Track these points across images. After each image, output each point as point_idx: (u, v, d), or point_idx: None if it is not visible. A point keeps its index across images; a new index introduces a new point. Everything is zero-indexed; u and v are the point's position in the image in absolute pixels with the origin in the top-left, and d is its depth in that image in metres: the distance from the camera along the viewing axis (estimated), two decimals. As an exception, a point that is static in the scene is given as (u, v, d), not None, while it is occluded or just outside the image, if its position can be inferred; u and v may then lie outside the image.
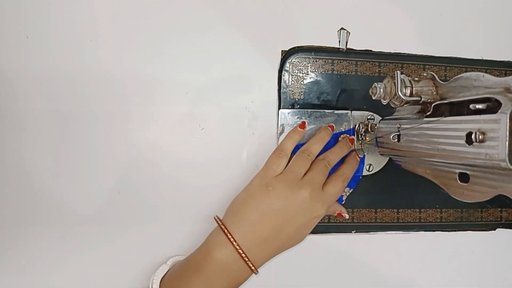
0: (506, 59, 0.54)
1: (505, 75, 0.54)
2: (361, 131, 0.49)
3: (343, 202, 0.51)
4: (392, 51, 0.51)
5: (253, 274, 0.42)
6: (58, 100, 0.46)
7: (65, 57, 0.46)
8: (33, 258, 0.46)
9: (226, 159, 0.49)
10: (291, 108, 0.50)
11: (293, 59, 0.50)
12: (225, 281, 0.41)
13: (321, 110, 0.50)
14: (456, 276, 0.54)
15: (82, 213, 0.47)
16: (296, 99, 0.50)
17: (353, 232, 0.52)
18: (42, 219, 0.46)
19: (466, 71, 0.52)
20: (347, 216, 0.47)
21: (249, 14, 0.49)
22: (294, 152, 0.46)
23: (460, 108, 0.35)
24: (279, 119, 0.49)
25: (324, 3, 0.50)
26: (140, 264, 0.48)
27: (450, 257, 0.54)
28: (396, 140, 0.41)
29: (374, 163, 0.51)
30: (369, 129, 0.48)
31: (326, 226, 0.51)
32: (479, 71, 0.53)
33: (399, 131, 0.41)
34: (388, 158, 0.50)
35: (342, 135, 0.49)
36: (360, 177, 0.51)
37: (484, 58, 0.54)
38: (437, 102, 0.37)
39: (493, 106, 0.30)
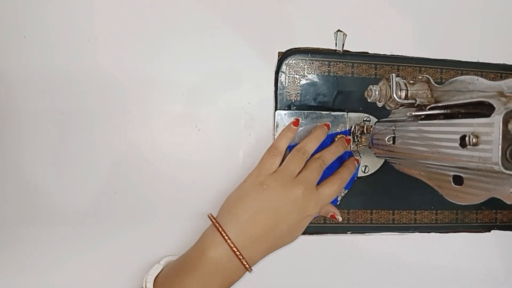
0: (502, 62, 0.54)
1: (501, 77, 0.55)
2: (357, 132, 0.49)
3: (338, 203, 0.51)
4: (388, 53, 0.52)
5: (247, 272, 0.42)
6: (55, 100, 0.46)
7: (62, 57, 0.46)
8: (31, 257, 0.47)
9: (223, 159, 0.49)
10: (287, 110, 0.50)
11: (290, 60, 0.50)
12: (220, 279, 0.41)
13: (318, 112, 0.50)
14: (451, 277, 0.55)
15: (79, 212, 0.47)
16: (293, 101, 0.50)
17: (348, 233, 0.52)
18: (40, 219, 0.46)
19: (461, 74, 0.53)
20: (340, 219, 0.47)
21: (246, 15, 0.49)
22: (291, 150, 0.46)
23: (455, 111, 0.35)
24: (275, 120, 0.49)
25: (321, 5, 0.50)
26: (137, 263, 0.48)
27: (445, 258, 0.54)
28: (391, 142, 0.41)
29: (370, 164, 0.51)
30: (365, 131, 0.48)
31: (322, 227, 0.51)
32: (475, 73, 0.53)
33: (394, 133, 0.41)
34: (383, 159, 0.50)
35: (338, 136, 0.50)
36: (356, 178, 0.51)
37: (480, 61, 0.54)
38: (432, 105, 0.38)
39: (487, 109, 0.30)
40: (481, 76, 0.54)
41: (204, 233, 0.43)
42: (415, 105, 0.39)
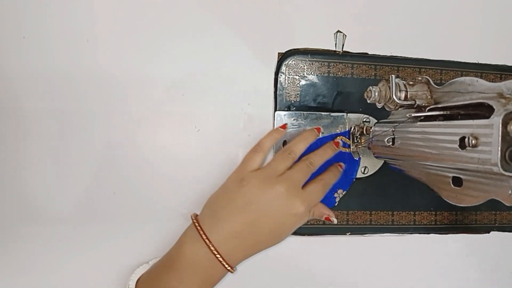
0: (501, 63, 0.54)
1: (501, 78, 0.55)
2: (357, 133, 0.49)
3: (336, 204, 0.51)
4: (388, 54, 0.52)
5: (230, 272, 0.41)
6: (55, 100, 0.46)
7: (62, 57, 0.46)
8: (31, 257, 0.46)
9: (222, 160, 0.49)
10: (287, 110, 0.50)
11: (290, 61, 0.50)
12: (198, 277, 0.40)
13: (317, 113, 0.50)
14: (450, 278, 0.55)
15: (78, 212, 0.47)
16: (292, 101, 0.50)
17: (347, 234, 0.52)
18: (39, 219, 0.46)
19: (461, 75, 0.53)
20: (335, 221, 0.46)
21: (246, 16, 0.49)
22: None
23: (454, 113, 0.35)
24: (275, 121, 0.49)
25: (320, 5, 0.50)
26: (136, 263, 0.47)
27: (444, 259, 0.54)
28: (390, 143, 0.41)
29: (369, 165, 0.51)
30: (365, 132, 0.48)
31: (320, 228, 0.51)
32: (474, 74, 0.53)
33: (393, 134, 0.41)
34: (383, 160, 0.50)
35: (337, 137, 0.50)
36: (354, 179, 0.51)
37: (480, 62, 0.54)
38: (431, 106, 0.37)
39: (486, 111, 0.30)
40: (481, 77, 0.54)
41: (184, 231, 0.43)
42: (415, 106, 0.39)
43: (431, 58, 0.53)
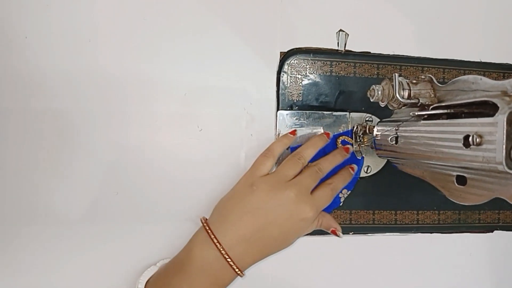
0: (504, 62, 0.54)
1: (503, 77, 0.55)
2: (359, 132, 0.49)
3: (341, 204, 0.51)
4: (391, 53, 0.52)
5: (240, 276, 0.41)
6: (57, 100, 0.46)
7: (64, 57, 0.46)
8: (31, 258, 0.46)
9: (224, 160, 0.49)
10: (289, 110, 0.50)
11: (292, 60, 0.50)
12: (208, 281, 0.40)
13: (320, 112, 0.50)
14: (453, 278, 0.55)
15: (80, 213, 0.47)
16: (295, 101, 0.50)
17: (350, 233, 0.52)
18: (40, 219, 0.46)
19: (464, 73, 0.53)
20: (341, 236, 0.46)
21: (248, 15, 0.49)
22: None
23: (458, 111, 0.35)
24: (277, 120, 0.49)
25: (322, 5, 0.50)
26: (138, 264, 0.47)
27: (447, 259, 0.54)
28: (394, 142, 0.41)
29: (372, 164, 0.51)
30: (367, 131, 0.48)
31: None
32: (477, 73, 0.53)
33: (397, 133, 0.41)
34: (386, 160, 0.50)
35: (340, 137, 0.49)
36: (358, 179, 0.51)
37: (482, 60, 0.54)
38: (435, 105, 0.37)
39: (490, 109, 0.30)
40: (484, 75, 0.53)
41: (194, 234, 0.43)
42: (418, 104, 0.38)
43: (434, 57, 0.53)
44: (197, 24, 0.48)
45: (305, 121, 0.49)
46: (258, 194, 0.42)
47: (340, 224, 0.50)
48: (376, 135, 0.45)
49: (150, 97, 0.47)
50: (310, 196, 0.43)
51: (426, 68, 0.52)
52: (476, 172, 0.32)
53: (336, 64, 0.51)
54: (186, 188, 0.48)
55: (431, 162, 0.37)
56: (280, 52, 0.50)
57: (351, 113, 0.50)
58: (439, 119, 0.36)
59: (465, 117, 0.34)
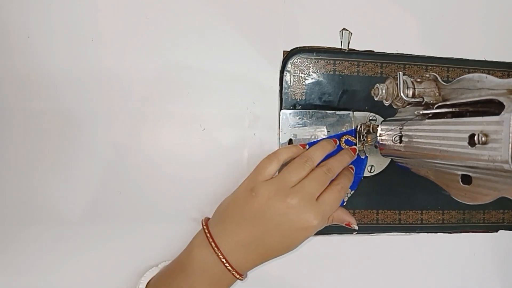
0: (509, 60, 0.54)
1: (508, 76, 0.54)
2: (363, 132, 0.49)
3: (344, 204, 0.50)
4: (394, 51, 0.51)
5: (239, 280, 0.40)
6: (59, 100, 0.46)
7: (66, 56, 0.46)
8: (32, 258, 0.46)
9: (227, 159, 0.49)
10: (292, 109, 0.49)
11: (295, 59, 0.49)
12: (208, 283, 0.39)
13: (323, 111, 0.50)
14: (457, 277, 0.54)
15: (82, 213, 0.47)
16: (298, 100, 0.50)
17: (354, 233, 0.51)
18: (42, 219, 0.46)
19: (468, 72, 0.53)
20: (356, 228, 0.45)
21: (251, 14, 0.49)
22: None
23: (463, 110, 0.35)
24: (280, 119, 0.49)
25: (326, 3, 0.50)
26: (140, 264, 0.47)
27: (452, 258, 0.54)
28: (398, 141, 0.41)
29: (376, 164, 0.51)
30: (371, 130, 0.47)
31: (327, 227, 0.50)
32: (482, 72, 0.53)
33: (401, 132, 0.41)
34: (390, 159, 0.50)
35: (344, 136, 0.49)
36: (362, 178, 0.50)
37: (487, 59, 0.53)
38: (439, 104, 0.37)
39: (496, 107, 0.30)
40: (488, 74, 0.53)
41: (195, 236, 0.43)
42: (423, 103, 0.38)
43: (438, 56, 0.52)
44: (200, 23, 0.48)
45: (308, 120, 0.49)
46: (258, 200, 0.40)
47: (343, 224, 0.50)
48: (380, 134, 0.45)
49: (152, 96, 0.47)
50: (314, 203, 0.40)
51: (430, 67, 0.52)
52: (482, 171, 0.32)
53: (339, 63, 0.50)
54: (188, 188, 0.48)
55: (435, 161, 0.37)
56: (283, 51, 0.50)
57: (354, 112, 0.50)
58: (444, 118, 0.36)
59: (470, 116, 0.33)
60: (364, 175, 0.51)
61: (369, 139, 0.48)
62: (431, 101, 0.38)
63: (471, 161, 0.31)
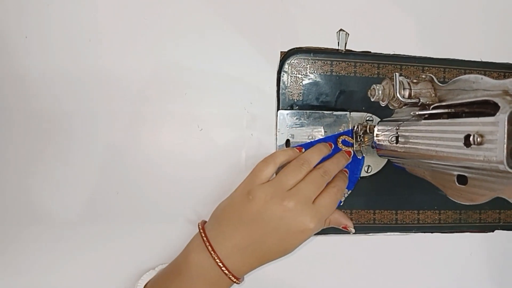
0: (505, 61, 0.54)
1: (504, 77, 0.55)
2: (360, 132, 0.49)
3: (341, 204, 0.51)
4: (391, 52, 0.52)
5: (236, 283, 0.40)
6: (57, 100, 0.46)
7: (64, 57, 0.46)
8: (31, 258, 0.46)
9: (225, 160, 0.49)
10: (290, 109, 0.50)
11: (292, 60, 0.50)
12: (205, 286, 0.39)
13: (320, 111, 0.50)
14: (454, 277, 0.55)
15: (81, 213, 0.47)
16: (295, 100, 0.50)
17: (351, 233, 0.51)
18: (41, 219, 0.46)
19: (465, 73, 0.53)
20: (353, 231, 0.45)
21: (248, 15, 0.49)
22: None
23: (459, 110, 0.35)
24: (278, 120, 0.49)
25: (323, 4, 0.50)
26: (138, 265, 0.47)
27: (448, 258, 0.54)
28: (394, 141, 0.41)
29: (373, 164, 0.51)
30: (368, 131, 0.48)
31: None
32: (478, 73, 0.53)
33: (397, 132, 0.41)
34: (386, 159, 0.50)
35: (341, 136, 0.49)
36: (359, 179, 0.51)
37: (483, 60, 0.54)
38: (435, 104, 0.37)
39: (491, 108, 0.30)
40: (484, 75, 0.53)
41: (192, 239, 0.43)
42: (419, 104, 0.38)
43: (435, 57, 0.52)
44: (198, 24, 0.48)
45: (305, 121, 0.49)
46: (255, 204, 0.40)
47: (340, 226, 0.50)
48: (377, 134, 0.45)
49: (150, 96, 0.47)
50: (311, 206, 0.40)
51: (426, 68, 0.52)
52: (477, 172, 0.32)
53: (336, 63, 0.50)
54: (186, 188, 0.48)
55: (432, 161, 0.37)
56: (281, 52, 0.50)
57: (351, 113, 0.50)
58: (439, 118, 0.36)
59: (466, 117, 0.34)
60: (361, 175, 0.51)
61: (366, 139, 0.49)
62: (427, 102, 0.38)
63: (467, 162, 0.31)
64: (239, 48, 0.49)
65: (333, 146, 0.48)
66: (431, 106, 0.37)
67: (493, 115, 0.28)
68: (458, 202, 0.35)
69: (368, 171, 0.51)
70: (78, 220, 0.47)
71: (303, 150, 0.46)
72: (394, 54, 0.52)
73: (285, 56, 0.50)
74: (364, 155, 0.50)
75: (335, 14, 0.51)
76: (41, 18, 0.45)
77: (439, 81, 0.38)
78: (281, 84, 0.50)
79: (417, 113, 0.38)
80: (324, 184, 0.42)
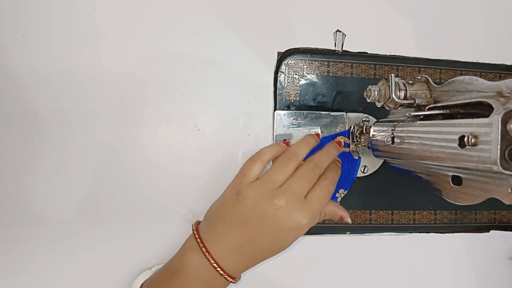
0: (501, 62, 0.54)
1: (500, 78, 0.55)
2: (356, 133, 0.49)
3: (338, 203, 0.51)
4: (388, 53, 0.52)
5: (232, 283, 0.40)
6: (55, 100, 0.46)
7: (61, 57, 0.46)
8: (30, 258, 0.46)
9: (222, 160, 0.49)
10: (286, 110, 0.50)
11: (289, 60, 0.50)
12: (201, 287, 0.39)
13: (317, 112, 0.50)
14: (450, 277, 0.55)
15: (79, 213, 0.47)
16: (292, 101, 0.50)
17: (347, 233, 0.52)
18: (39, 219, 0.46)
19: (460, 74, 0.53)
20: (349, 221, 0.44)
21: (246, 15, 0.49)
22: None
23: (454, 112, 0.35)
24: (274, 120, 0.49)
25: (320, 5, 0.50)
26: (137, 264, 0.48)
27: (444, 258, 0.55)
28: (390, 142, 0.42)
29: (369, 164, 0.51)
30: (364, 131, 0.48)
31: (320, 227, 0.51)
32: (474, 74, 0.54)
33: (393, 133, 0.41)
34: (382, 160, 0.50)
35: (337, 137, 0.50)
36: (355, 179, 0.51)
37: (479, 61, 0.54)
38: (431, 105, 0.38)
39: (486, 110, 0.30)
40: (480, 76, 0.54)
41: (186, 240, 0.42)
42: (414, 105, 0.39)
43: (431, 58, 0.53)
44: (195, 24, 0.48)
45: (302, 121, 0.50)
46: (245, 204, 0.39)
47: (337, 223, 0.50)
48: (373, 135, 0.45)
49: (147, 96, 0.47)
50: (303, 202, 0.39)
51: (422, 69, 0.53)
52: (472, 172, 0.33)
53: (333, 64, 0.51)
54: (183, 188, 0.48)
55: (427, 162, 0.37)
56: (278, 52, 0.50)
57: (348, 113, 0.50)
58: (435, 119, 0.36)
59: (460, 118, 0.34)
60: (357, 175, 0.51)
61: (362, 139, 0.49)
62: (423, 103, 0.38)
63: (461, 162, 0.31)
64: (236, 48, 0.49)
65: (320, 135, 0.48)
66: (427, 107, 0.38)
67: (487, 116, 0.28)
68: (453, 202, 0.36)
69: (364, 172, 0.51)
70: (75, 220, 0.47)
71: (290, 143, 0.45)
72: (390, 55, 0.52)
73: (282, 57, 0.50)
74: (360, 156, 0.50)
75: (332, 15, 0.51)
76: (38, 18, 0.45)
77: (435, 82, 0.38)
78: (278, 84, 0.50)
79: (412, 114, 0.38)
80: (315, 178, 0.41)
